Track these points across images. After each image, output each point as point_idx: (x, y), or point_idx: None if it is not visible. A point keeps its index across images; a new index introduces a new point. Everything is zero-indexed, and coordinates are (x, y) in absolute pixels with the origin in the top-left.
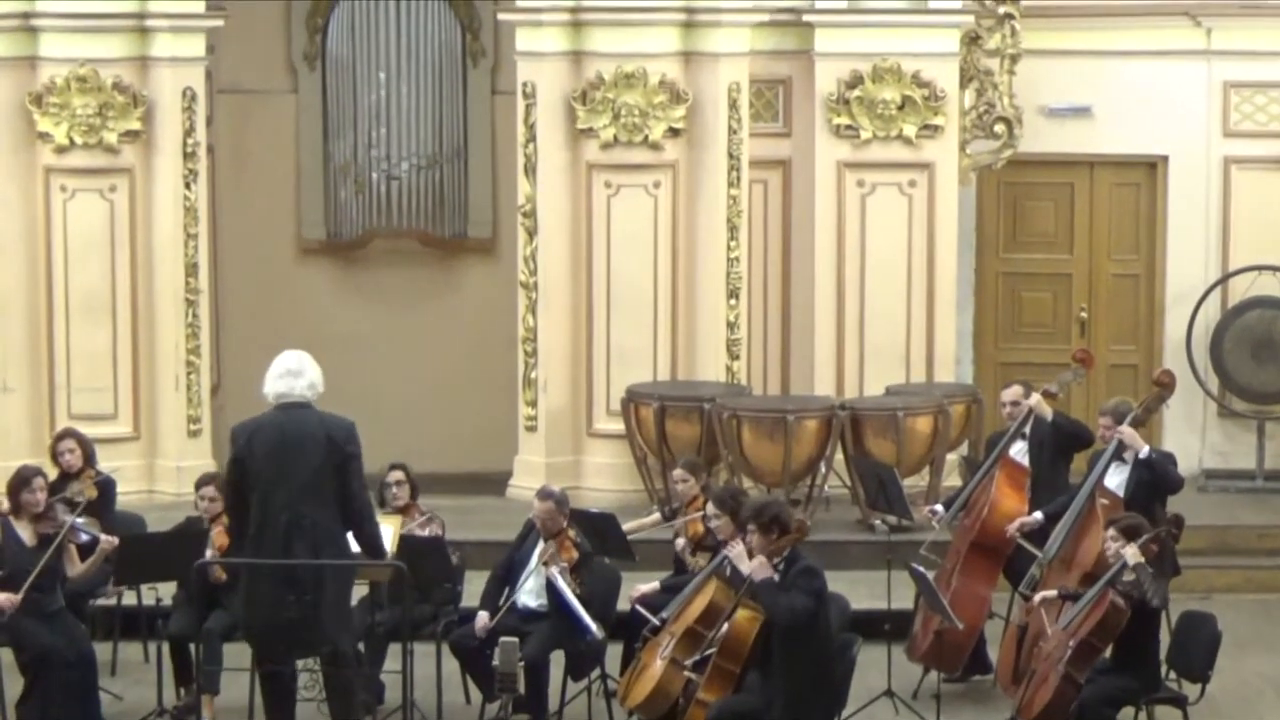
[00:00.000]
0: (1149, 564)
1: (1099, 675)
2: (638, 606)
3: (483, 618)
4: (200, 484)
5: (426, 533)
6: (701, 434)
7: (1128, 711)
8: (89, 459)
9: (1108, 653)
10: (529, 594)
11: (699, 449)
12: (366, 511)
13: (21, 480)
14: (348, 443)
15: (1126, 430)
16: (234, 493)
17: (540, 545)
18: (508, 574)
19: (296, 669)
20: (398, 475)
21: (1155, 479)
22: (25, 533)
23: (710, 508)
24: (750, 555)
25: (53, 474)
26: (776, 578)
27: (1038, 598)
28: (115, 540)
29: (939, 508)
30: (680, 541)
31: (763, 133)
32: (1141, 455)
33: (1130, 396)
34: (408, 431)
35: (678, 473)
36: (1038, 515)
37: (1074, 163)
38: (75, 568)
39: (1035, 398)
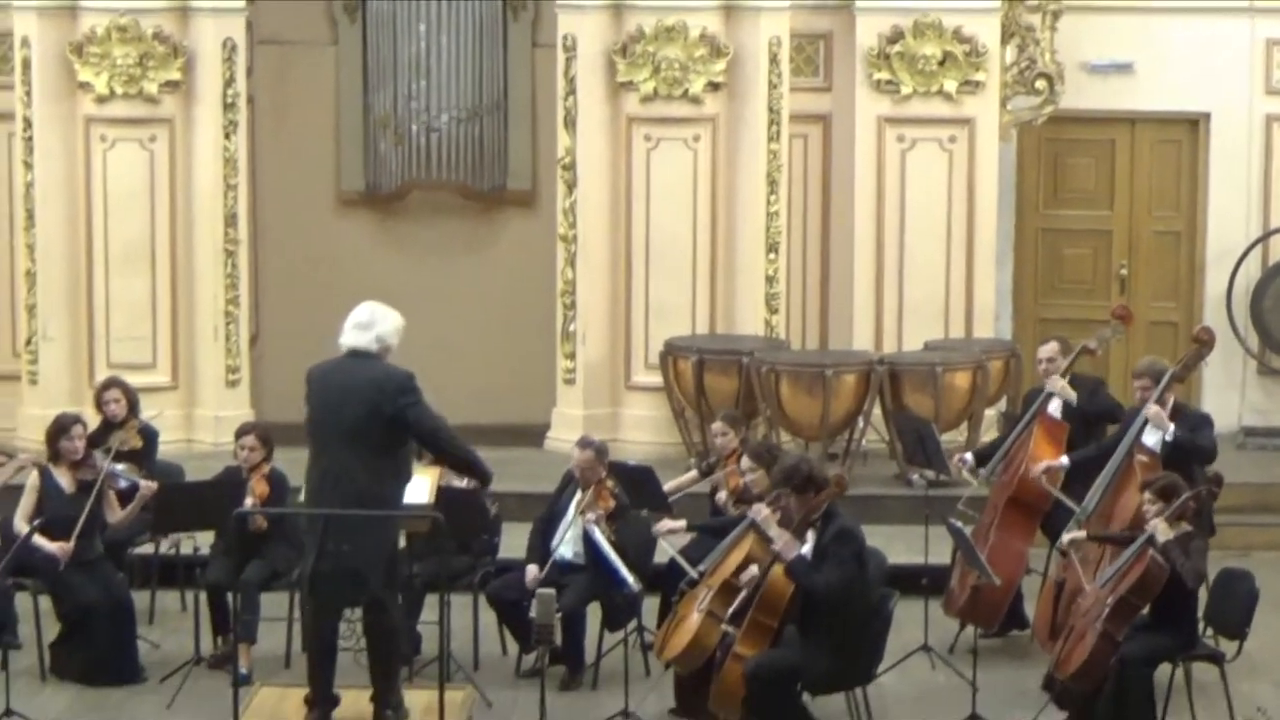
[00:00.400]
0: (1188, 522)
1: (1136, 632)
2: (676, 556)
3: (532, 570)
4: (240, 433)
5: (464, 484)
6: (739, 388)
7: (1165, 668)
8: (133, 408)
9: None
10: (566, 545)
11: (737, 403)
12: (444, 437)
13: (60, 428)
14: (400, 394)
15: (1153, 410)
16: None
17: (578, 495)
18: (549, 525)
19: (337, 620)
20: None
21: (1186, 455)
22: (64, 480)
23: (745, 462)
24: (785, 516)
25: (94, 422)
26: (807, 549)
27: (1066, 538)
28: (155, 485)
29: (968, 456)
30: (721, 495)
31: (803, 87)
32: (1168, 437)
33: (1169, 354)
34: (446, 383)
35: (717, 425)
36: (1063, 460)
37: (1115, 119)
38: (115, 514)
39: (1059, 383)
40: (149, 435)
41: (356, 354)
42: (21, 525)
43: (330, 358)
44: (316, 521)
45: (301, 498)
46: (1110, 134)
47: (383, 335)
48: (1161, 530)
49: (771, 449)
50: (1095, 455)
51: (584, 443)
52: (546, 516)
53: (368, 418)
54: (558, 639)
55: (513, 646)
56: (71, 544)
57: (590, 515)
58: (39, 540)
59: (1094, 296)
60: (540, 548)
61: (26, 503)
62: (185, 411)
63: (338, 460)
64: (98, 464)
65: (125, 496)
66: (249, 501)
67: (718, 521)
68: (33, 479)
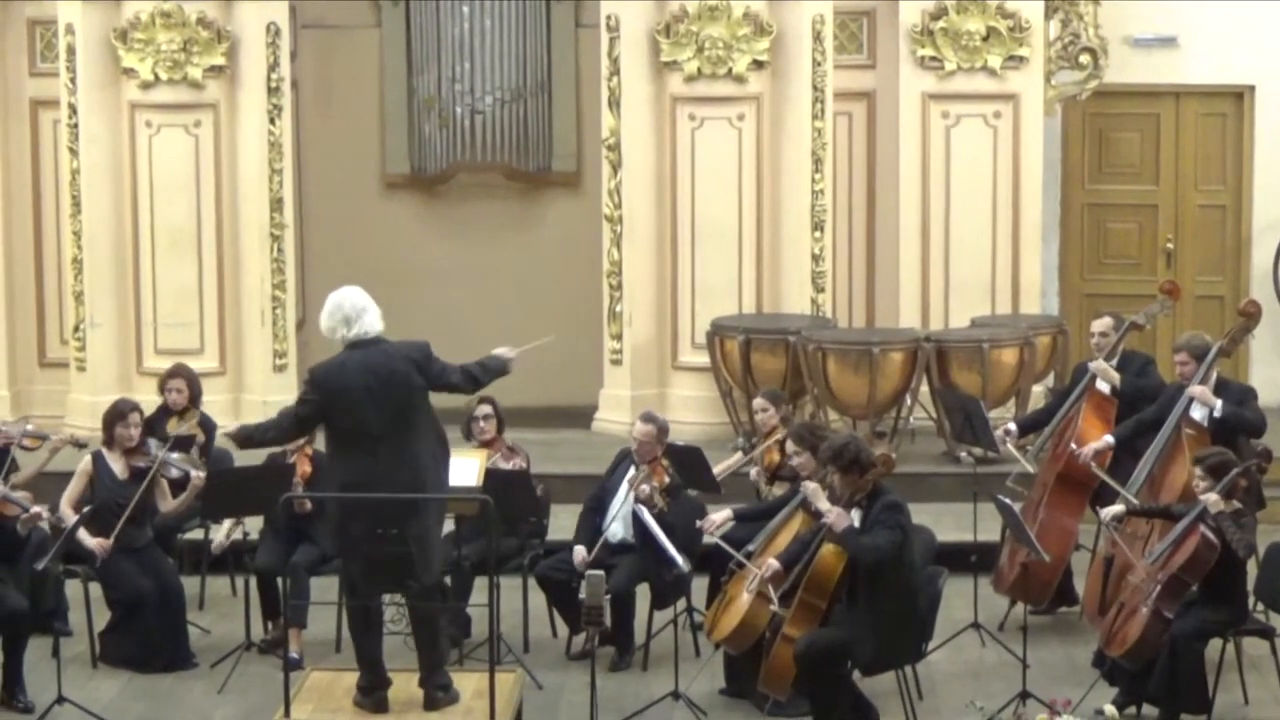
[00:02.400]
0: (1238, 499)
1: (1187, 609)
2: (720, 542)
3: (579, 552)
4: None
5: (511, 466)
6: (786, 366)
7: (1215, 643)
8: (194, 399)
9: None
10: (618, 523)
11: (784, 382)
12: (471, 377)
13: (117, 414)
14: (429, 360)
15: (1198, 390)
16: (298, 427)
17: (631, 472)
18: (599, 505)
19: (383, 603)
20: (485, 410)
21: (1236, 428)
22: (117, 465)
23: (790, 445)
24: (831, 495)
25: (149, 407)
26: (856, 523)
27: (1107, 513)
28: (204, 475)
29: (1011, 426)
30: (754, 470)
31: (847, 65)
32: (1216, 414)
33: (1216, 328)
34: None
35: (758, 402)
36: (1108, 438)
37: (1160, 93)
38: (167, 503)
39: (1101, 365)
40: (208, 427)
41: (362, 342)
42: (67, 510)
43: (334, 357)
44: (372, 515)
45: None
46: (1155, 108)
47: (378, 313)
48: (1213, 503)
49: (815, 430)
50: (1136, 430)
51: (647, 417)
52: (597, 494)
53: (413, 396)
54: (607, 620)
55: (562, 628)
56: (110, 541)
57: (645, 488)
58: (80, 534)
59: (1140, 271)
60: (590, 528)
61: (74, 489)
62: (233, 396)
63: (394, 454)
64: (152, 452)
65: (177, 485)
66: (294, 481)
67: (764, 506)
68: (84, 464)
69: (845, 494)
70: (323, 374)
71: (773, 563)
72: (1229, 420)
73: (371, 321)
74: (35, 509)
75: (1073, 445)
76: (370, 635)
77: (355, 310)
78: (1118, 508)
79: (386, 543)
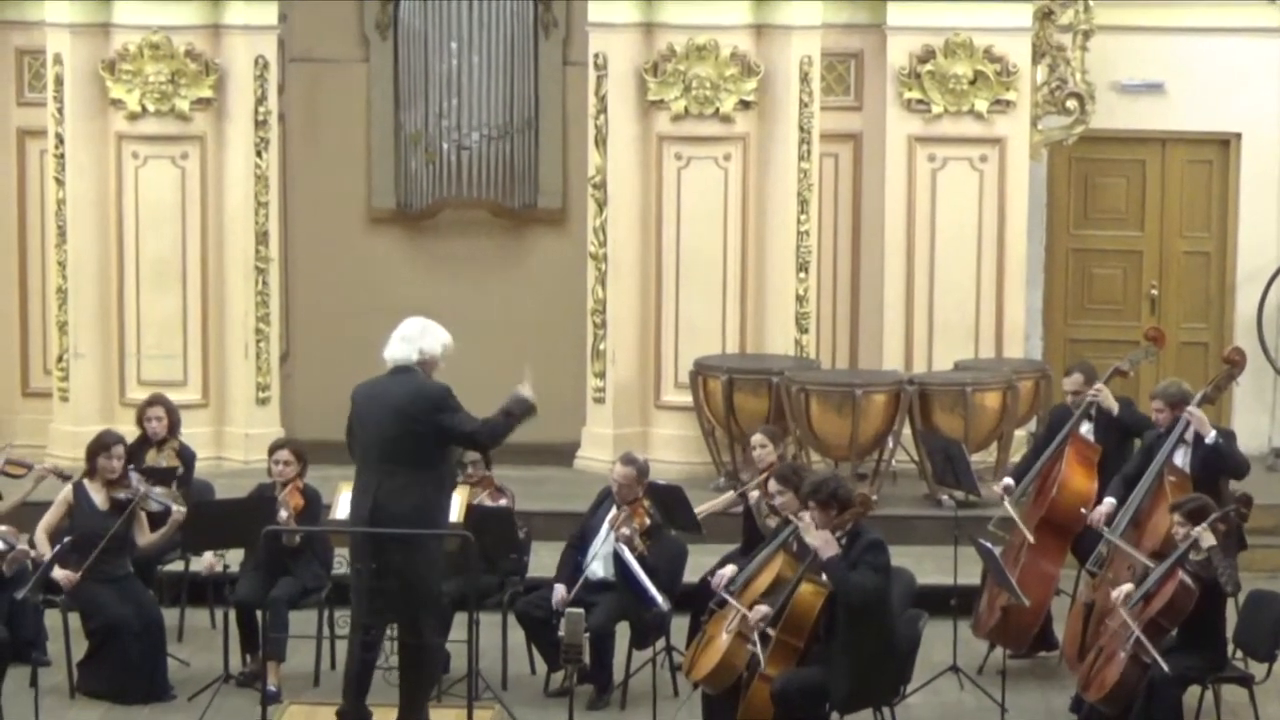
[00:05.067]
0: (1219, 543)
1: (1165, 654)
2: (726, 595)
3: (559, 591)
4: (274, 448)
5: (501, 502)
6: (770, 407)
7: (1194, 690)
8: (173, 428)
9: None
10: (599, 562)
11: (767, 422)
12: (482, 436)
13: (101, 445)
14: (434, 410)
15: (1196, 414)
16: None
17: (613, 512)
18: (580, 544)
19: (381, 637)
20: (473, 455)
21: (1220, 463)
22: (98, 496)
23: (773, 484)
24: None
25: (131, 438)
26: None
27: (1117, 594)
28: (183, 510)
29: (1010, 481)
30: (755, 495)
31: (834, 106)
32: (1209, 440)
33: (1200, 374)
34: (476, 401)
35: (756, 438)
36: (1111, 500)
37: (1146, 139)
38: (145, 537)
39: (1102, 391)
40: (187, 457)
41: (398, 369)
42: (41, 538)
43: (373, 376)
44: (361, 540)
45: (337, 514)
46: (1141, 154)
47: (426, 348)
48: (1206, 537)
49: (799, 470)
50: (1124, 487)
51: (628, 459)
52: (579, 534)
53: (405, 434)
54: (586, 658)
55: (541, 666)
56: (78, 575)
57: (625, 530)
58: (57, 571)
59: (1124, 317)
60: (570, 566)
61: (51, 516)
62: (215, 429)
63: (382, 478)
64: (134, 485)
65: (156, 519)
66: (283, 514)
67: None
68: (65, 493)
69: (826, 530)
70: (356, 389)
71: (762, 609)
72: (1219, 450)
73: (393, 351)
74: (22, 547)
75: (1083, 509)
76: (358, 667)
77: (401, 337)
78: (1127, 587)
79: (371, 575)
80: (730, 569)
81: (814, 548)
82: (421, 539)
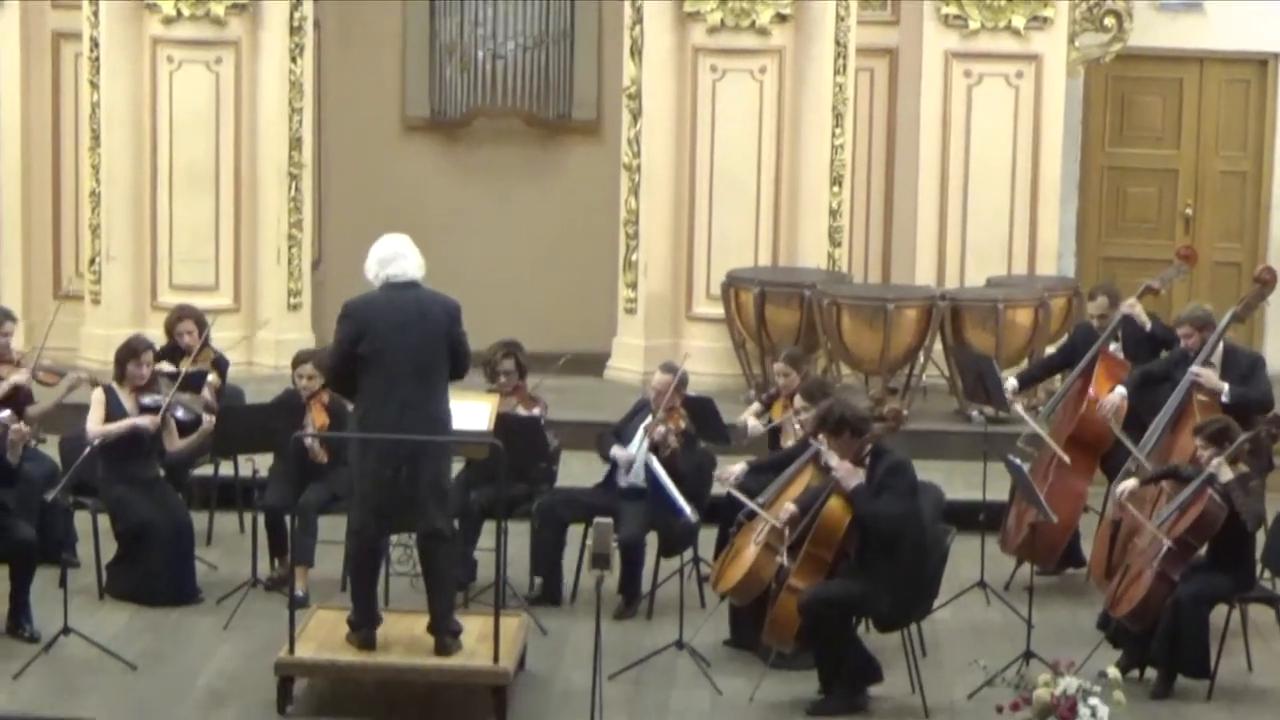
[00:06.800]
0: (1244, 463)
1: (1193, 573)
2: (733, 491)
3: (618, 451)
4: (297, 362)
5: (534, 410)
6: (801, 320)
7: (1220, 609)
8: (205, 338)
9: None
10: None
11: (798, 335)
12: (466, 363)
13: (131, 351)
14: (455, 323)
15: (1204, 373)
16: (344, 365)
17: (648, 420)
18: (618, 435)
19: (388, 543)
20: (508, 365)
21: (1246, 406)
22: (127, 402)
23: (798, 400)
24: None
25: (159, 343)
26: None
27: (1121, 488)
28: (212, 419)
29: (1012, 381)
30: (791, 443)
31: (870, 20)
32: (1224, 399)
33: (1233, 294)
34: (507, 310)
35: (779, 366)
36: (1121, 390)
37: (1183, 58)
38: (173, 442)
39: (1134, 305)
40: (221, 366)
41: (408, 284)
42: (99, 431)
43: (368, 292)
44: (385, 451)
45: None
46: (1178, 73)
47: (421, 263)
48: (1223, 472)
49: (824, 386)
50: (1143, 381)
51: (668, 367)
52: (615, 430)
53: (435, 344)
54: (615, 567)
55: (569, 575)
56: (159, 417)
57: (660, 429)
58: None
59: (1158, 236)
60: (618, 437)
61: (97, 414)
62: (246, 334)
63: (417, 390)
64: (162, 391)
65: (185, 427)
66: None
67: (777, 456)
68: (97, 393)
69: (845, 456)
70: (355, 304)
71: (790, 506)
72: (1236, 405)
73: (407, 267)
74: (17, 425)
75: (1090, 391)
76: (372, 574)
77: (392, 253)
78: (1131, 482)
79: (400, 483)
80: (741, 466)
81: (837, 478)
82: (441, 445)
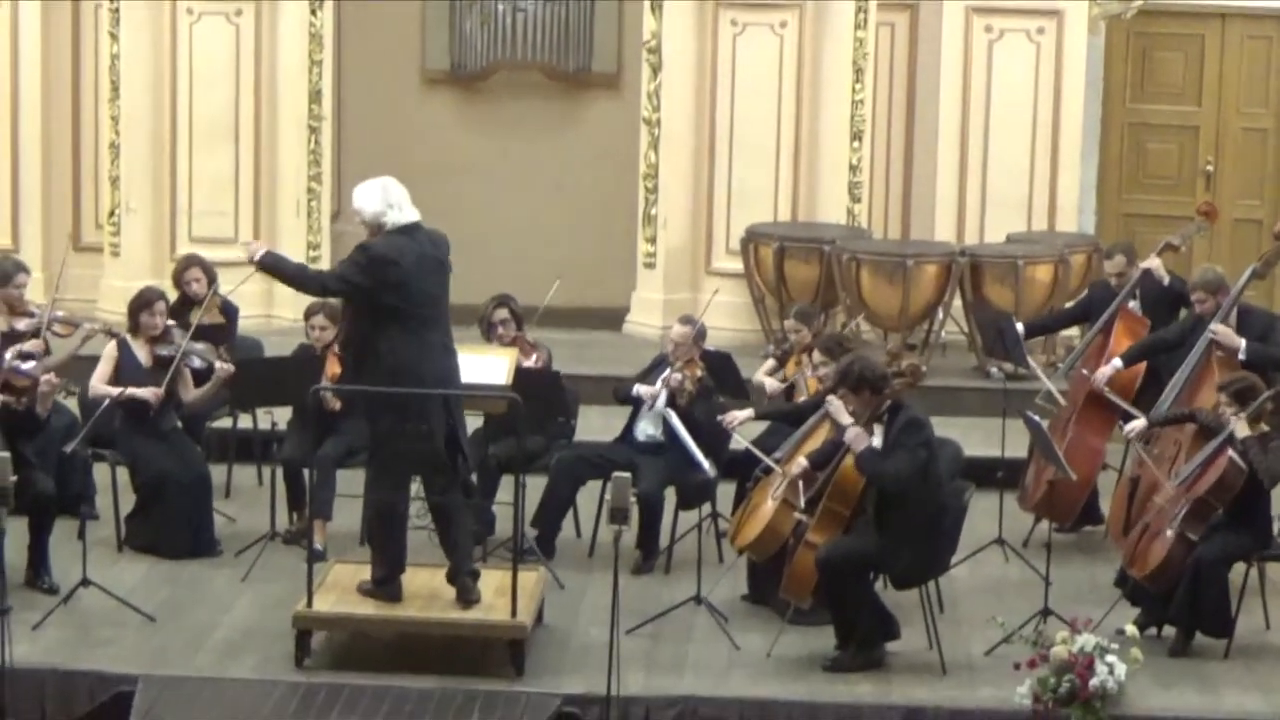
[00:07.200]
0: (1266, 422)
1: (1211, 532)
2: (750, 447)
3: (641, 389)
4: (309, 313)
5: (532, 361)
6: (820, 275)
7: (1239, 568)
8: (212, 284)
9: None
10: (647, 421)
11: (817, 291)
12: None
13: (144, 302)
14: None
15: (1221, 329)
16: (322, 287)
17: (666, 372)
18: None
19: (410, 497)
20: (502, 314)
21: (1263, 366)
22: (141, 353)
23: (816, 355)
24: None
25: (173, 297)
26: (877, 441)
27: (1129, 429)
28: (231, 368)
29: (1019, 325)
30: (801, 400)
31: None
32: (1241, 356)
33: (1253, 251)
34: (526, 264)
35: (789, 323)
36: (1117, 363)
37: (1205, 14)
38: (189, 393)
39: (1156, 261)
40: (229, 312)
41: (412, 225)
42: (100, 388)
43: (389, 238)
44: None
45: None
46: (1200, 29)
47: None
48: (1240, 428)
49: (842, 341)
50: (1150, 349)
51: (686, 319)
52: (635, 379)
53: (446, 287)
54: (633, 522)
55: (586, 529)
56: (163, 390)
57: (677, 376)
58: (134, 390)
59: (1178, 192)
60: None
61: (103, 370)
62: (265, 286)
63: (444, 334)
64: (176, 341)
65: (200, 377)
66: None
67: (788, 407)
68: (109, 348)
69: (864, 413)
70: (382, 250)
71: (801, 460)
72: (1254, 361)
73: (412, 209)
74: (47, 376)
75: (1084, 371)
76: (399, 526)
77: (401, 195)
78: (1139, 423)
79: (425, 433)
80: (747, 412)
81: (846, 440)
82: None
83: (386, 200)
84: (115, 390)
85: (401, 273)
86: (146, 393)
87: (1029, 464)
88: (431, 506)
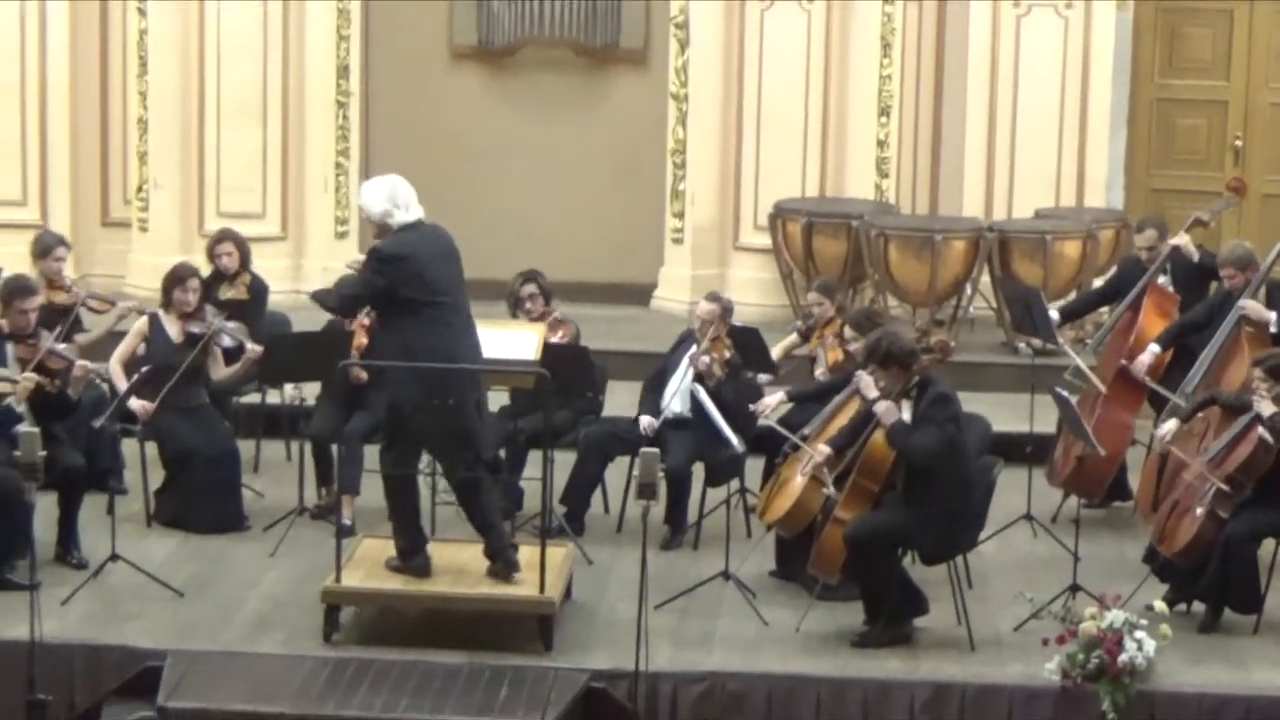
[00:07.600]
0: None
1: (1240, 509)
2: (775, 426)
3: (645, 419)
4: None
5: (559, 337)
6: (848, 251)
7: (1268, 544)
8: (244, 261)
9: None
10: (677, 399)
11: (845, 266)
12: None
13: (177, 278)
14: None
15: (1251, 304)
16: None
17: (692, 349)
18: (659, 383)
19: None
20: (530, 289)
21: None
22: (173, 329)
23: (848, 331)
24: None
25: (205, 272)
26: (906, 415)
27: (1163, 430)
28: (260, 350)
29: (1054, 314)
30: (820, 370)
31: None
32: (1272, 328)
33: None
34: (554, 240)
35: (812, 296)
36: (1154, 349)
37: None
38: (219, 370)
39: (1185, 238)
40: (259, 289)
41: (420, 221)
42: (115, 368)
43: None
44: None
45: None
46: (1228, 4)
47: None
48: (1266, 406)
49: (872, 316)
50: (1180, 333)
51: (713, 296)
52: (658, 371)
53: (461, 277)
54: (661, 497)
55: (615, 504)
56: (154, 404)
57: (705, 359)
58: (131, 402)
59: (1207, 168)
60: (651, 405)
61: (126, 346)
62: (294, 262)
63: (466, 319)
64: (208, 318)
65: (230, 355)
66: (351, 354)
67: (819, 386)
68: (139, 324)
69: (893, 388)
70: (392, 247)
71: (823, 448)
72: None
73: (418, 209)
74: (82, 362)
75: (1123, 361)
76: (410, 496)
77: (409, 195)
78: (1172, 423)
79: (452, 413)
80: (779, 395)
81: (876, 414)
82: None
83: (394, 201)
84: (120, 385)
85: (415, 264)
86: (138, 406)
87: (1058, 439)
88: (456, 485)
